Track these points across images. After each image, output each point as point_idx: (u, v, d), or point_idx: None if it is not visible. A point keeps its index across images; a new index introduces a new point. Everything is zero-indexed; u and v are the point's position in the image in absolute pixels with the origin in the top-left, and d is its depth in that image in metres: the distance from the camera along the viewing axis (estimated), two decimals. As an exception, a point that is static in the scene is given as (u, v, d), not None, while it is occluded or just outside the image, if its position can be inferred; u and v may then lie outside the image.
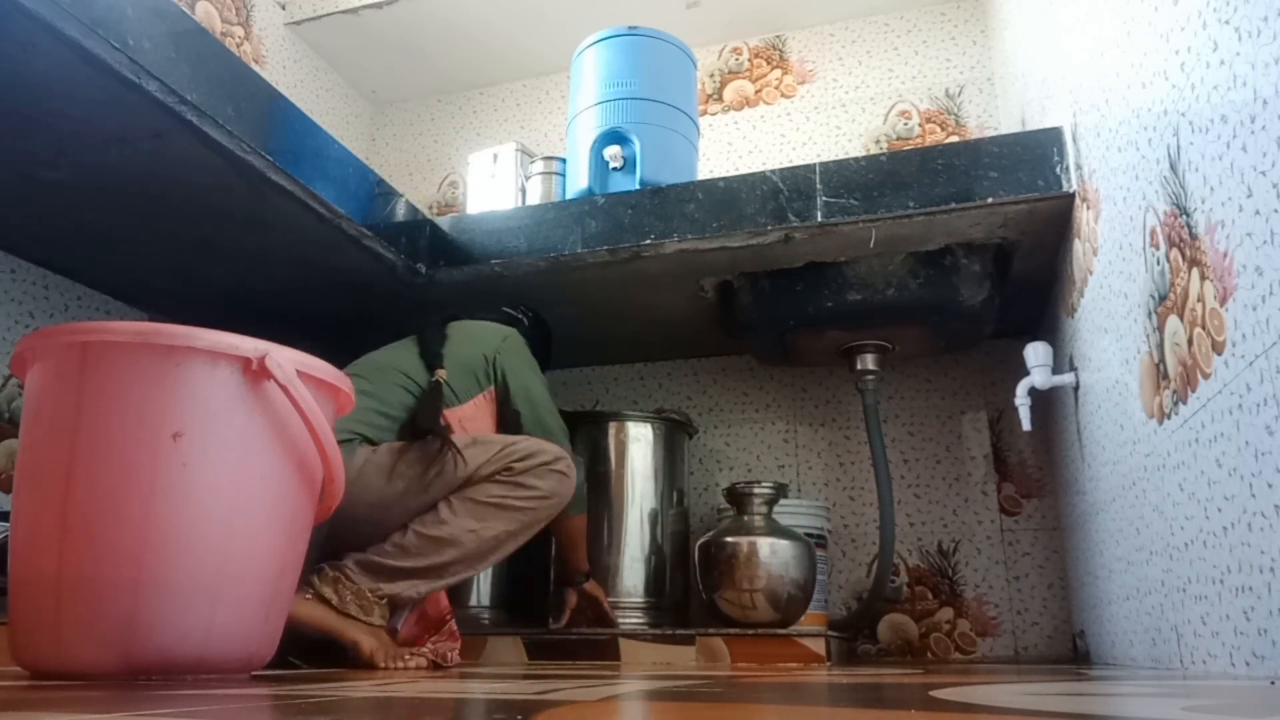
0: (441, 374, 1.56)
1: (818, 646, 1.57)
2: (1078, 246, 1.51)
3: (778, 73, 2.59)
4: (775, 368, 2.23)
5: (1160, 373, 1.06)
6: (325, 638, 1.34)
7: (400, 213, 1.79)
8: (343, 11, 2.56)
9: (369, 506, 1.41)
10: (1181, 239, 0.95)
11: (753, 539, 1.68)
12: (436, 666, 1.38)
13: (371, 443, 1.47)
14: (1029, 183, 1.54)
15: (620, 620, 1.82)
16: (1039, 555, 2.01)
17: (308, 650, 1.36)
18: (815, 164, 1.67)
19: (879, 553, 1.87)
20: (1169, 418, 1.04)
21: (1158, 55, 0.99)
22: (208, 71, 1.29)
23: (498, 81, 2.87)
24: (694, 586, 1.83)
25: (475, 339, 1.65)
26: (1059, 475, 1.92)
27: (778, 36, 2.62)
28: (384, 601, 1.39)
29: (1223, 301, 0.85)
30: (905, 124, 2.42)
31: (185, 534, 0.96)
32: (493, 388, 1.63)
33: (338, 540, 1.40)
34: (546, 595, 1.95)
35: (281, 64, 2.58)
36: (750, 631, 1.63)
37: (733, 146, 2.55)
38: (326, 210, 1.55)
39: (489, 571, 2.00)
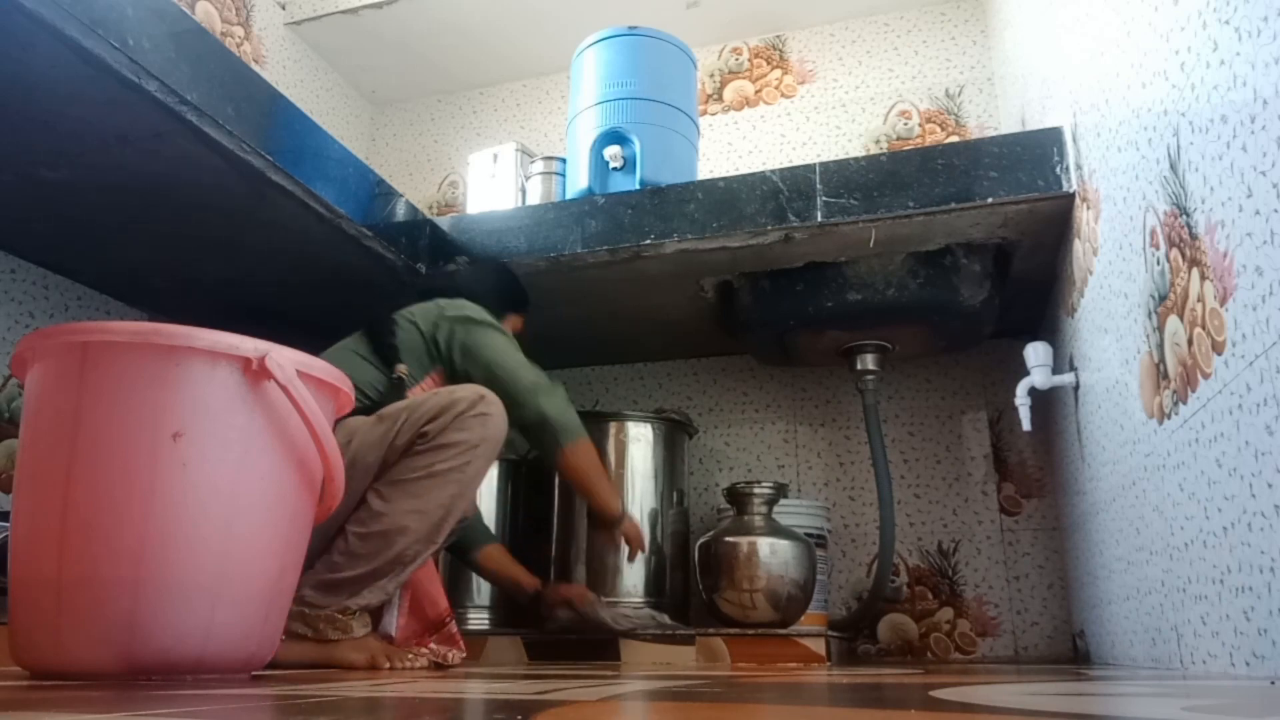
0: (402, 369, 1.48)
1: (818, 646, 1.57)
2: (1078, 246, 1.51)
3: (778, 73, 2.59)
4: (775, 368, 2.23)
5: (1160, 373, 1.06)
6: (319, 667, 1.29)
7: (400, 213, 1.79)
8: (343, 11, 2.56)
9: None
10: (1181, 239, 0.95)
11: (753, 539, 1.68)
12: (438, 667, 1.38)
13: None
14: (1029, 183, 1.54)
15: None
16: (1039, 555, 2.01)
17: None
18: (815, 164, 1.67)
19: (879, 553, 1.87)
20: (1169, 418, 1.04)
21: (1158, 55, 0.99)
22: (208, 71, 1.29)
23: (498, 81, 2.87)
24: (694, 586, 1.83)
25: (417, 320, 1.55)
26: (1059, 475, 1.92)
27: (778, 36, 2.62)
28: (357, 613, 1.33)
29: (1223, 301, 0.85)
30: (905, 124, 2.42)
31: (185, 534, 0.96)
32: (440, 366, 1.54)
33: None
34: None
35: (281, 64, 2.58)
36: (750, 631, 1.63)
37: (733, 146, 2.55)
38: (326, 210, 1.55)
39: (489, 571, 2.00)
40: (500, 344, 1.55)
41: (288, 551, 1.07)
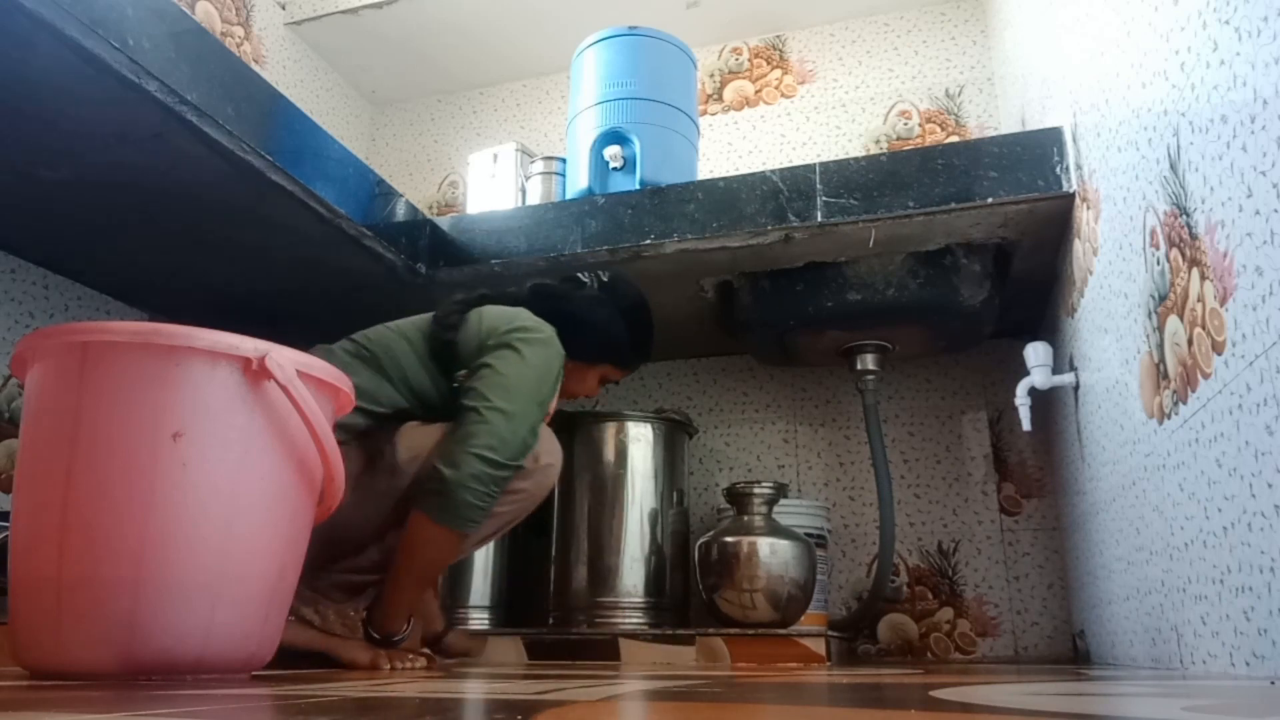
0: (463, 376, 1.32)
1: (818, 646, 1.57)
2: (1078, 246, 1.51)
3: (778, 73, 2.59)
4: (775, 368, 2.23)
5: (1160, 373, 1.06)
6: (317, 656, 1.29)
7: (400, 213, 1.79)
8: (343, 11, 2.57)
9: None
10: (1181, 239, 0.95)
11: (753, 539, 1.68)
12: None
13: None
14: (1029, 183, 1.54)
15: (620, 621, 1.82)
16: (1039, 555, 2.01)
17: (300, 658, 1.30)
18: (815, 164, 1.67)
19: (879, 553, 1.87)
20: (1169, 418, 1.04)
21: (1158, 55, 0.99)
22: (208, 71, 1.29)
23: (498, 81, 2.87)
24: (694, 586, 1.83)
25: (483, 322, 1.36)
26: (1059, 475, 1.92)
27: (778, 36, 2.62)
28: (363, 615, 1.34)
29: (1223, 301, 0.85)
30: (905, 124, 2.42)
31: (185, 534, 0.96)
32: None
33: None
34: (547, 596, 1.95)
35: (281, 64, 2.58)
36: (750, 631, 1.63)
37: (733, 146, 2.55)
38: (326, 210, 1.55)
39: (489, 572, 2.01)
40: (522, 372, 1.29)
41: (288, 551, 1.07)
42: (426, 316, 1.40)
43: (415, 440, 1.30)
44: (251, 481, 1.01)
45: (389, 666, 1.30)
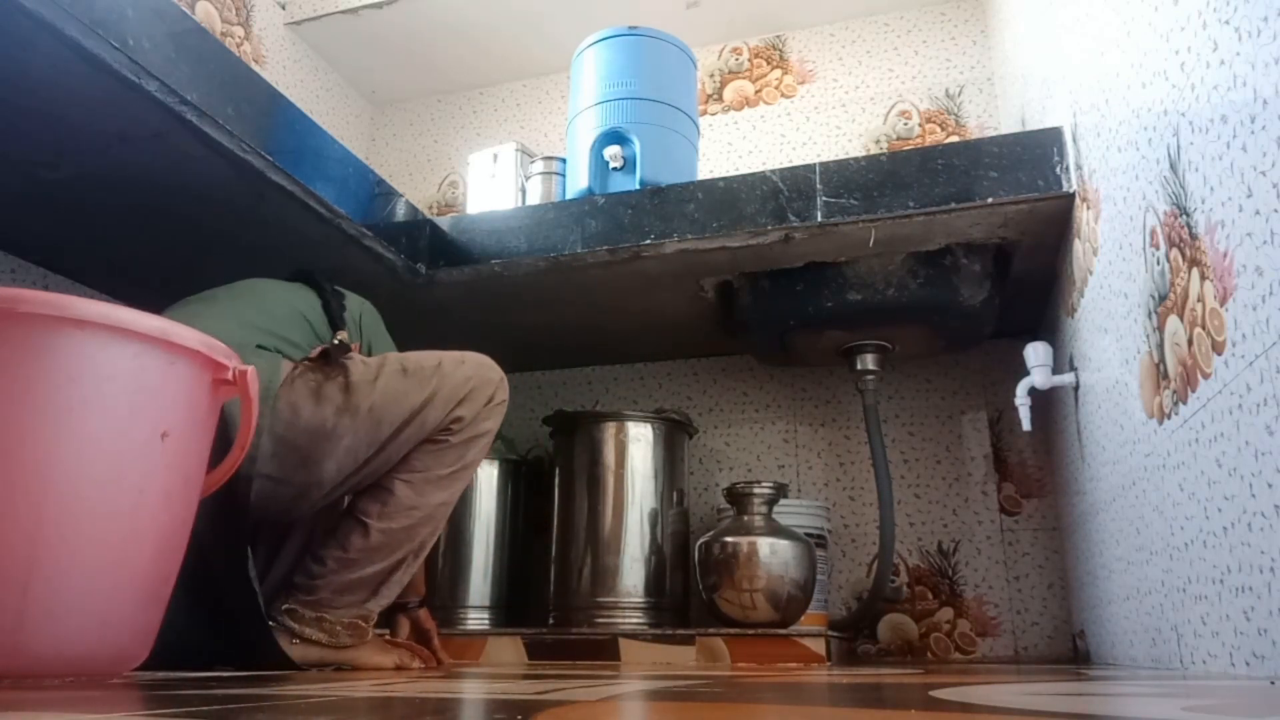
0: (344, 335, 1.39)
1: (818, 646, 1.57)
2: (1078, 246, 1.51)
3: (778, 73, 2.59)
4: (775, 368, 2.24)
5: (1160, 373, 1.06)
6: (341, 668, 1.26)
7: (400, 213, 1.79)
8: (343, 11, 2.56)
9: (308, 435, 1.22)
10: (1181, 239, 0.95)
11: (753, 539, 1.68)
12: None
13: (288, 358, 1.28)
14: (1029, 183, 1.54)
15: (620, 621, 1.82)
16: (1039, 555, 2.01)
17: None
18: (815, 164, 1.67)
19: (879, 553, 1.87)
20: (1169, 418, 1.04)
21: (1158, 55, 0.99)
22: (208, 71, 1.29)
23: (498, 81, 2.87)
24: (694, 586, 1.83)
25: (348, 299, 1.50)
26: (1059, 475, 1.92)
27: (778, 36, 2.62)
28: (375, 620, 1.30)
29: (1223, 301, 0.85)
30: (905, 124, 2.42)
31: (76, 526, 0.86)
32: (357, 344, 1.45)
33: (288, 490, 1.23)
34: (547, 596, 1.95)
35: (281, 64, 2.58)
36: (750, 631, 1.63)
37: (733, 146, 2.55)
38: (326, 210, 1.55)
39: (488, 572, 2.01)
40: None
41: (171, 545, 0.97)
42: (295, 285, 1.45)
43: (407, 390, 1.29)
44: (142, 465, 0.92)
45: (416, 665, 1.29)
